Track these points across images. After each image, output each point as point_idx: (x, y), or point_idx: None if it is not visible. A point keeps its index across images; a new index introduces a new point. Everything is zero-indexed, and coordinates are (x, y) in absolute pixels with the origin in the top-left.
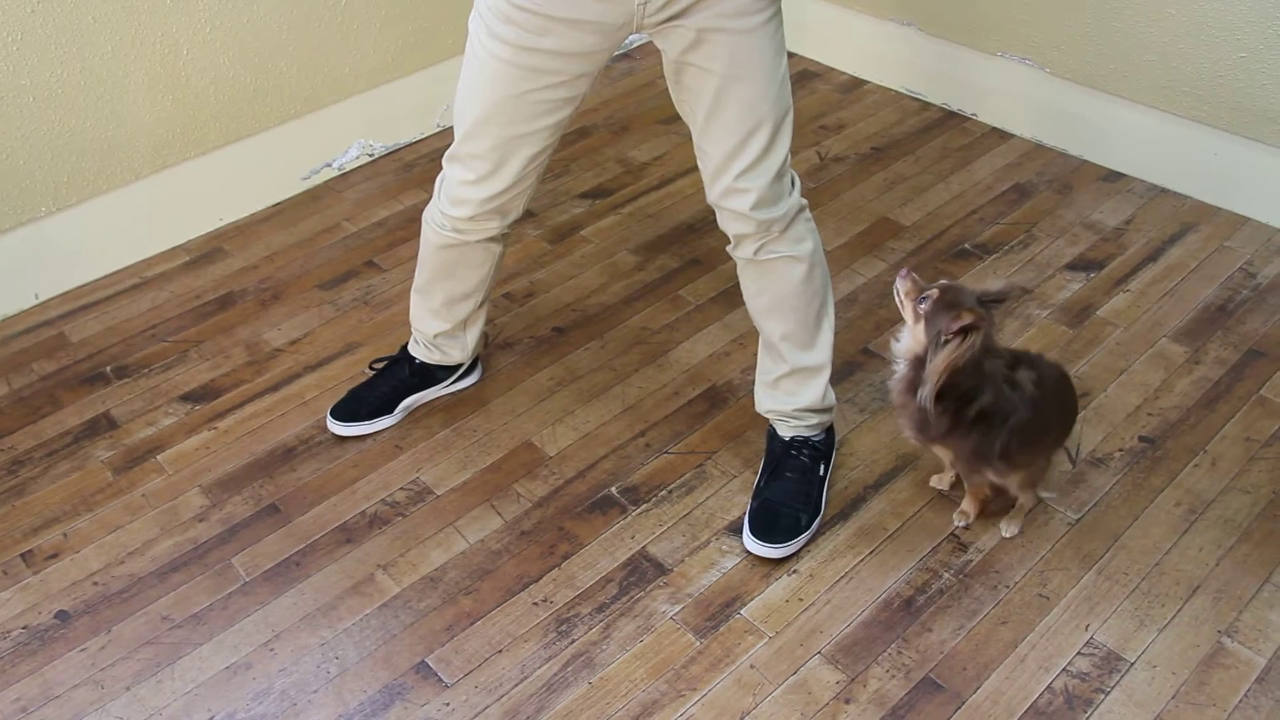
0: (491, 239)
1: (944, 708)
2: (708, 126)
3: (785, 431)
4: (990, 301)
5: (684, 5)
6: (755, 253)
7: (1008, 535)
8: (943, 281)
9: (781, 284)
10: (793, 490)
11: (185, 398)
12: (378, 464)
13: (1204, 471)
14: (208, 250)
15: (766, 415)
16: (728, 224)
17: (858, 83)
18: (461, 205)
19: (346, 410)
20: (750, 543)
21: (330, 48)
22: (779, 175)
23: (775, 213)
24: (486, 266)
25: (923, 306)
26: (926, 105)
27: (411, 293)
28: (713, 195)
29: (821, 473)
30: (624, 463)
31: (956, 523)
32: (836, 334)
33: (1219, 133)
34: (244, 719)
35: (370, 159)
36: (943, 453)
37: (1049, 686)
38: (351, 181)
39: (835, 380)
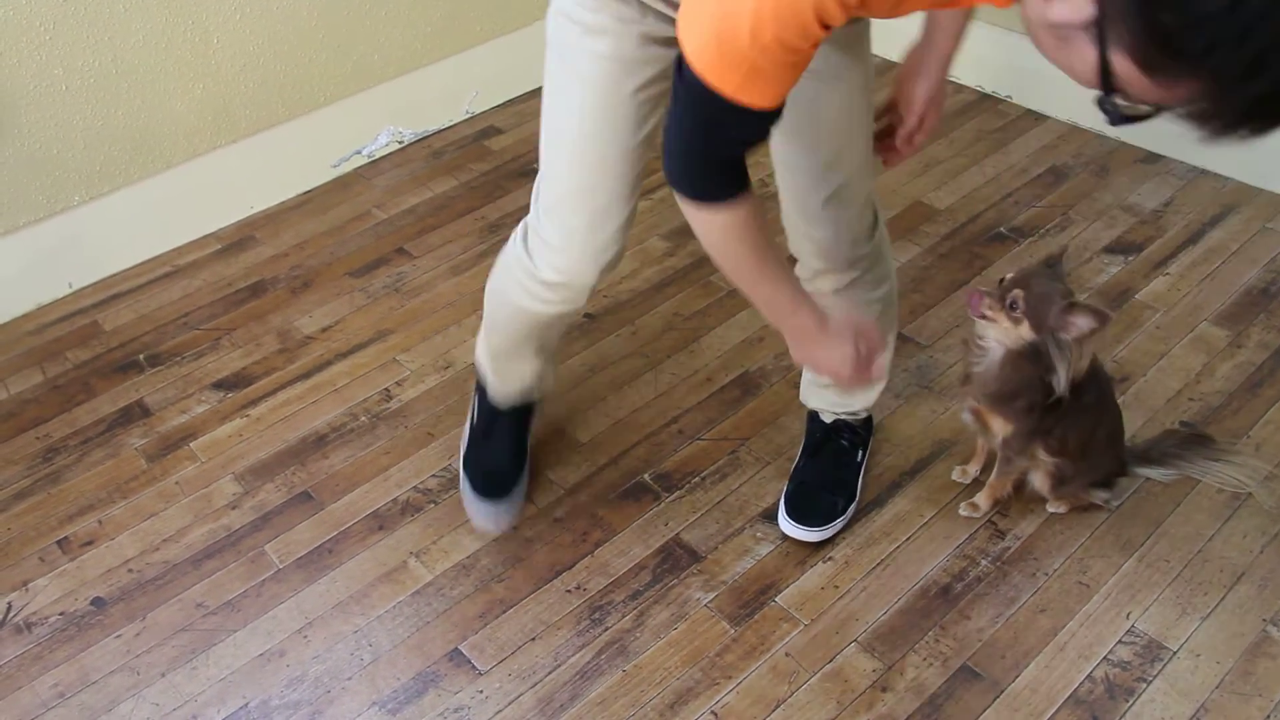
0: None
1: (982, 696)
2: (799, 134)
3: (827, 417)
4: (1057, 274)
5: None
6: (834, 291)
7: (1052, 510)
8: (1010, 275)
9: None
10: (831, 474)
11: (218, 385)
12: (409, 451)
13: (1245, 456)
14: (239, 238)
15: (811, 408)
16: (806, 253)
17: (891, 65)
18: (566, 264)
19: (494, 485)
20: (786, 525)
21: (360, 35)
22: (869, 201)
23: (861, 250)
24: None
25: (1016, 311)
26: (960, 87)
27: (488, 359)
28: (795, 216)
29: (859, 458)
30: (656, 449)
31: (963, 513)
32: None
33: None
34: (278, 706)
35: (400, 146)
36: (1003, 426)
37: (1089, 675)
38: (381, 169)
39: None
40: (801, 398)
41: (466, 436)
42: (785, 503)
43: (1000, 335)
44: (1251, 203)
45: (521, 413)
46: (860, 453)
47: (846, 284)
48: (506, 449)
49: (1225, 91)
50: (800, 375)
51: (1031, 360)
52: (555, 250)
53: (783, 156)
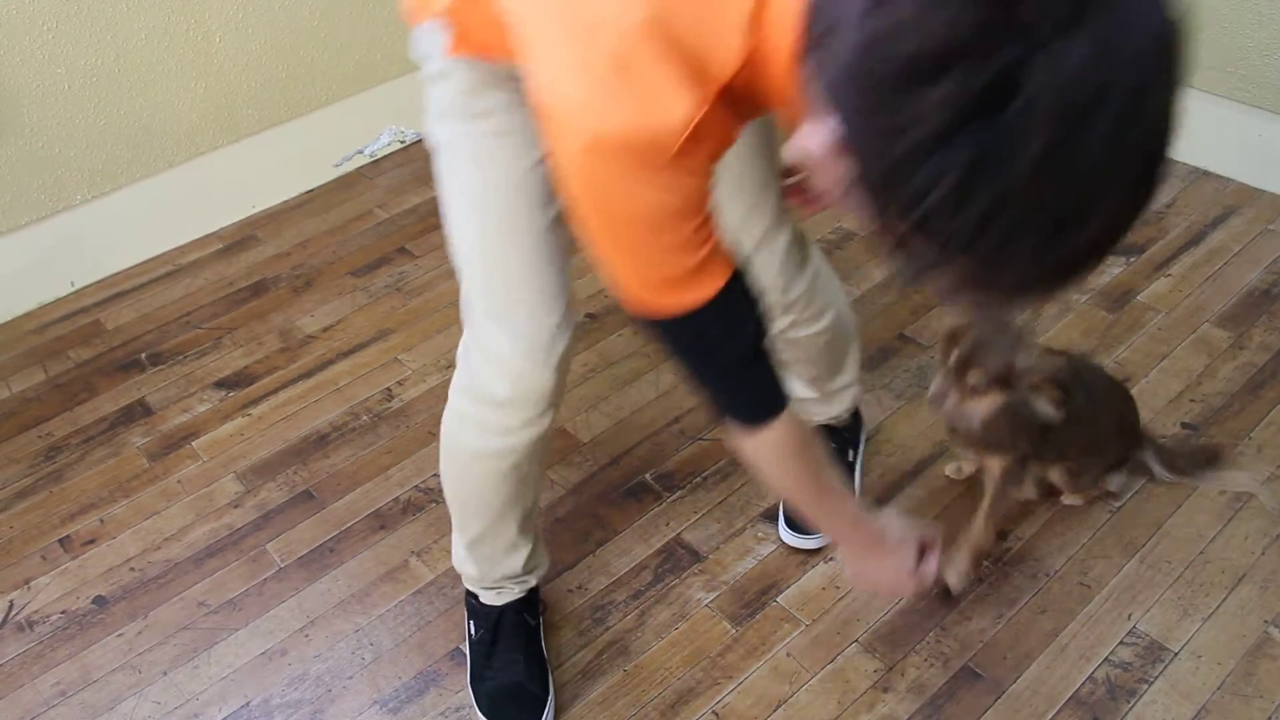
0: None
1: (983, 697)
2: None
3: (812, 421)
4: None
5: None
6: (780, 331)
7: (1067, 503)
8: (955, 354)
9: (802, 351)
10: None
11: (219, 384)
12: (411, 450)
13: (1248, 459)
14: (240, 237)
15: None
16: None
17: None
18: (516, 370)
19: (521, 707)
20: (787, 535)
21: (362, 34)
22: (794, 242)
23: (792, 294)
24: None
25: (980, 388)
26: None
27: (465, 549)
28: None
29: (851, 458)
30: (658, 449)
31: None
32: (872, 320)
33: (1264, 114)
34: (279, 704)
35: (402, 145)
36: (998, 463)
37: (1091, 676)
38: (383, 168)
39: (871, 366)
40: None
41: (469, 661)
42: (784, 513)
43: (973, 409)
44: (1253, 204)
45: (524, 608)
46: (851, 452)
47: (787, 326)
48: (520, 659)
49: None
50: None
51: (1010, 410)
52: (500, 359)
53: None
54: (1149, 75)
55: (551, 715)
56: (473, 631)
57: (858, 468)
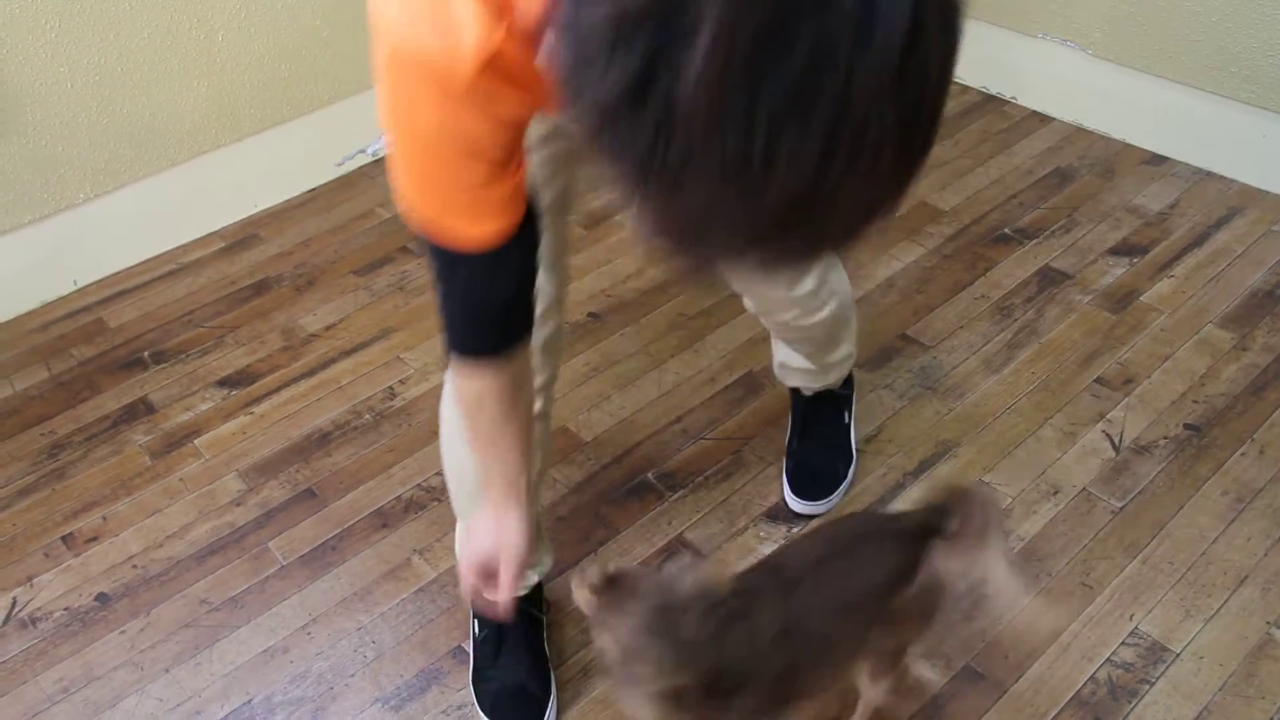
0: (539, 413)
1: (985, 697)
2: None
3: (807, 391)
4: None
5: None
6: (784, 322)
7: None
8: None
9: (804, 334)
10: (825, 444)
11: (222, 383)
12: (413, 449)
13: (1251, 460)
14: (243, 236)
15: (788, 385)
16: (749, 299)
17: None
18: None
19: (522, 707)
20: (795, 503)
21: (364, 33)
22: (822, 278)
23: (800, 289)
24: (541, 448)
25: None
26: (965, 88)
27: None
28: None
29: (846, 420)
30: (660, 448)
31: None
32: (874, 320)
33: (1268, 114)
34: (281, 701)
35: None
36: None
37: (1092, 676)
38: (385, 168)
39: (873, 366)
40: (776, 376)
41: (472, 659)
42: (789, 481)
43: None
44: (1257, 205)
45: (528, 606)
46: (846, 414)
47: (790, 319)
48: (523, 659)
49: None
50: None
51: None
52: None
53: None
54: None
55: (554, 715)
56: (476, 630)
57: (852, 429)
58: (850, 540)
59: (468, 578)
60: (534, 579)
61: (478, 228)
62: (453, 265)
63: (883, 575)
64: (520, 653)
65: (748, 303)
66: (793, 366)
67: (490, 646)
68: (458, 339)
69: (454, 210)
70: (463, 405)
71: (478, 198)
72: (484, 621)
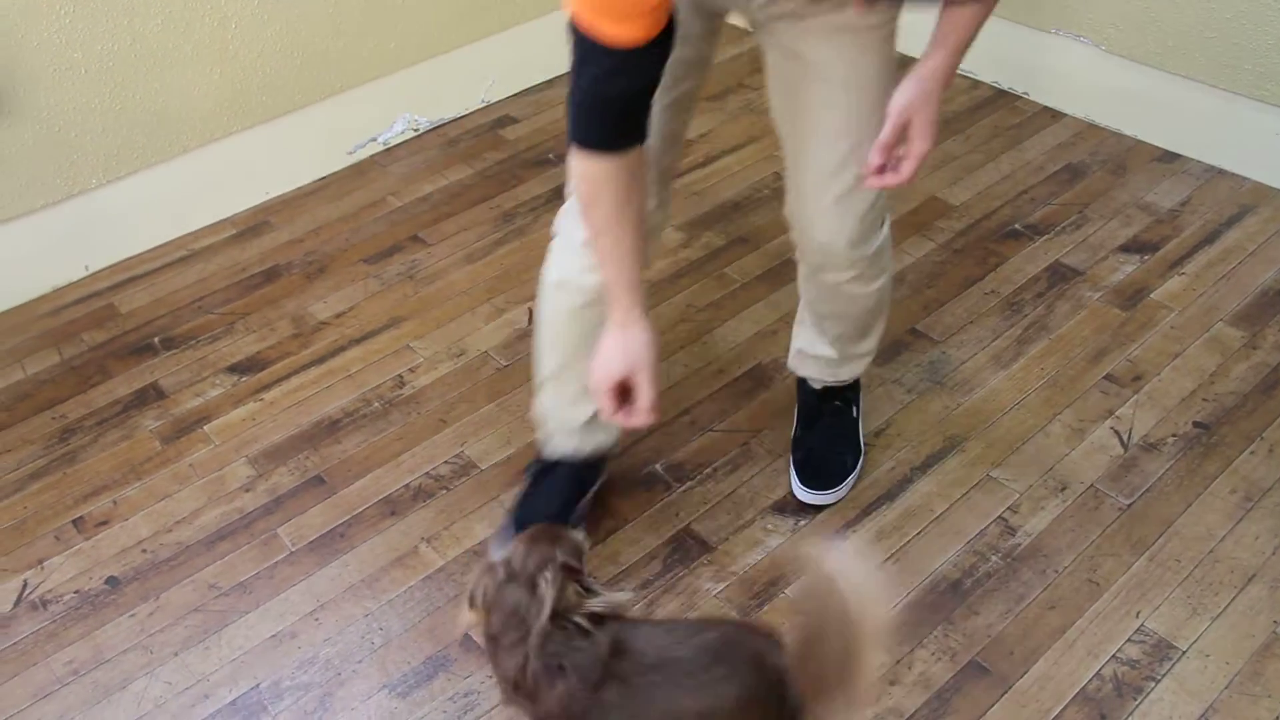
0: None
1: (990, 691)
2: (805, 138)
3: (816, 384)
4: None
5: (795, 4)
6: (835, 284)
7: None
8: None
9: (849, 305)
10: (833, 436)
11: (232, 369)
12: (422, 437)
13: (1260, 459)
14: (254, 224)
15: (799, 375)
16: (809, 250)
17: (906, 60)
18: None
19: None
20: (802, 493)
21: (377, 21)
22: (877, 201)
23: (865, 250)
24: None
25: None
26: (977, 83)
27: (539, 389)
28: (800, 215)
29: (855, 414)
30: (668, 440)
31: None
32: None
33: None
34: (289, 687)
35: (415, 134)
36: None
37: (1098, 673)
38: (397, 156)
39: (882, 360)
40: (789, 365)
41: (518, 494)
42: (797, 472)
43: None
44: (1269, 203)
45: (581, 470)
46: (854, 408)
47: (845, 280)
48: (554, 501)
49: None
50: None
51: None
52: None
53: (792, 155)
54: None
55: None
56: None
57: (860, 422)
58: (707, 654)
59: (607, 401)
60: (586, 449)
61: (620, 27)
62: (589, 57)
63: (719, 703)
64: (555, 494)
65: (803, 267)
66: (812, 355)
67: (525, 489)
68: (580, 130)
69: (603, 7)
70: (581, 200)
71: (640, 7)
72: (538, 470)
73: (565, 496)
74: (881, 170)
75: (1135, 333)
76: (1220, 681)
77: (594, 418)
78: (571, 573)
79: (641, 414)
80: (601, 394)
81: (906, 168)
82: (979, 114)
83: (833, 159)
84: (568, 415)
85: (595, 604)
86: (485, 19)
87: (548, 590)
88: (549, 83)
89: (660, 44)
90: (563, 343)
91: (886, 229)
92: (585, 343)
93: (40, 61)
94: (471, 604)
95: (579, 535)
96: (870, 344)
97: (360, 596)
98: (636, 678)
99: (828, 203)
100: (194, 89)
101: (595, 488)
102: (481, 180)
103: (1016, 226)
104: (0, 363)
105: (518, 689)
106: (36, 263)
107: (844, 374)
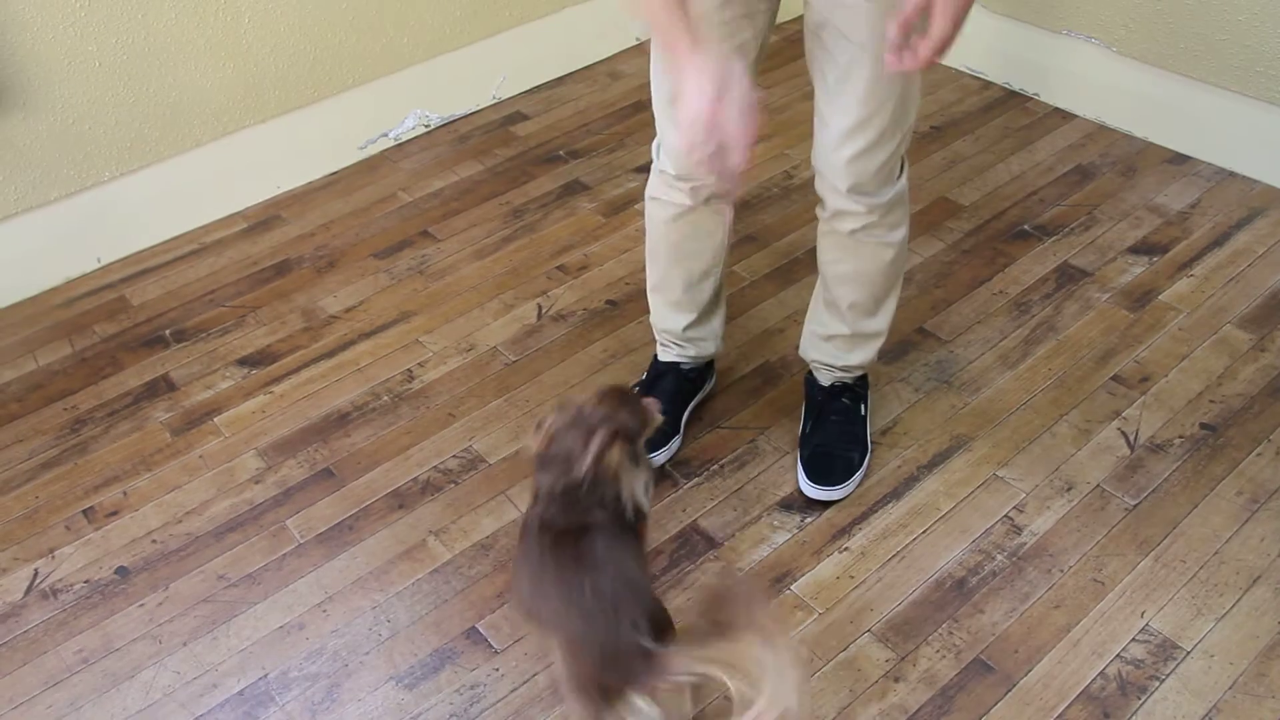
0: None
1: (994, 689)
2: (835, 94)
3: (825, 379)
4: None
5: None
6: (850, 232)
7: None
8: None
9: (867, 262)
10: (841, 433)
11: (242, 362)
12: (430, 431)
13: (1267, 461)
14: (265, 217)
15: (809, 362)
16: (828, 195)
17: None
18: (675, 156)
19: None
20: (810, 489)
21: (389, 17)
22: (892, 159)
23: (880, 199)
24: (719, 234)
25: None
26: (988, 84)
27: (649, 295)
28: (821, 164)
29: (863, 412)
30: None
31: None
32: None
33: None
34: (297, 677)
35: (426, 130)
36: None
37: (1102, 672)
38: (407, 152)
39: (890, 359)
40: (800, 350)
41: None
42: (804, 468)
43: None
44: (1279, 206)
45: (687, 374)
46: (862, 406)
47: (863, 226)
48: (663, 405)
49: None
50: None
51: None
52: (668, 145)
53: (820, 110)
54: None
55: (674, 451)
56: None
57: (868, 420)
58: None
59: (700, 141)
60: (690, 350)
61: None
62: None
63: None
64: (666, 393)
65: (823, 216)
66: (824, 335)
67: (651, 381)
68: None
69: None
70: None
71: None
72: (646, 373)
73: (673, 401)
74: (900, 54)
75: (1143, 334)
76: (1224, 682)
77: (693, 324)
78: (626, 439)
79: (734, 172)
80: (698, 140)
81: (924, 49)
82: (989, 114)
83: (850, 123)
84: (671, 324)
85: (626, 480)
86: (497, 16)
87: (593, 445)
88: (560, 80)
89: None
90: (660, 253)
91: (904, 181)
92: (676, 253)
93: (54, 55)
94: (537, 429)
95: (654, 408)
96: (881, 322)
97: (368, 589)
98: (570, 560)
99: (847, 154)
100: (207, 83)
101: (703, 393)
102: (492, 176)
103: (1026, 227)
104: (13, 353)
105: (535, 498)
106: (49, 254)
107: (854, 359)
